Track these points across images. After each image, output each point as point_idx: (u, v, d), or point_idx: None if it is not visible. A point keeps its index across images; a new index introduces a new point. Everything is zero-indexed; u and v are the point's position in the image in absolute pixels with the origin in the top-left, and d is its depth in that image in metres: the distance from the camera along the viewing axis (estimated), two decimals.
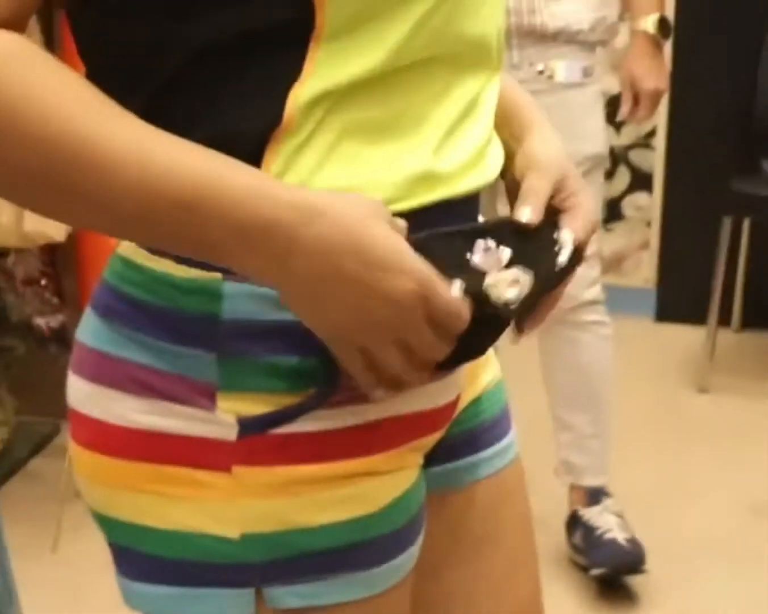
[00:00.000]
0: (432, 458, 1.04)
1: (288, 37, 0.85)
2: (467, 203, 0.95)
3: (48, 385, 2.86)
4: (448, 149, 0.93)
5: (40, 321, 2.87)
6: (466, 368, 1.03)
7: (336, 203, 0.83)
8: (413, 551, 0.99)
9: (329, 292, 0.83)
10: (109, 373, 0.93)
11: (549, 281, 0.96)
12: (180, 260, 0.89)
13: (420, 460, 1.01)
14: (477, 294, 0.89)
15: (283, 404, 0.91)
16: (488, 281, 0.90)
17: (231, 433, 0.90)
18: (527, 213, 0.95)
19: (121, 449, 0.93)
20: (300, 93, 0.86)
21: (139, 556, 0.95)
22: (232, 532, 0.92)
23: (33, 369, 3.07)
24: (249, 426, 0.91)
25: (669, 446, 3.21)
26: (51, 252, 2.88)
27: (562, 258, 0.96)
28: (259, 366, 0.90)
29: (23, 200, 0.85)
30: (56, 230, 2.68)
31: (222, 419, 0.90)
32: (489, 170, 0.97)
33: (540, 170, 0.99)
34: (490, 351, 1.08)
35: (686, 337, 3.87)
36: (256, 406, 0.91)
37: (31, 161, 0.80)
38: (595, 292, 2.53)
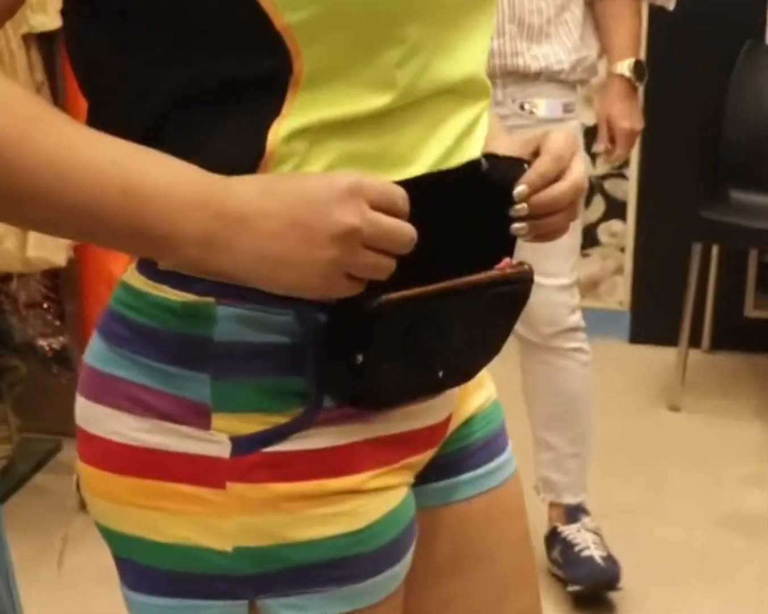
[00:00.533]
0: (424, 476, 1.04)
1: (268, 83, 0.87)
2: None
3: (50, 404, 2.96)
4: None
5: (42, 343, 2.87)
6: (458, 389, 1.03)
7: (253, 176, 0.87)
8: (402, 566, 0.99)
9: (280, 247, 0.85)
10: (109, 393, 0.94)
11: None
12: (176, 285, 0.90)
13: (410, 478, 1.01)
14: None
15: (274, 423, 0.91)
16: None
17: (224, 451, 0.91)
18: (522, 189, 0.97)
19: (121, 465, 0.94)
20: (280, 129, 0.88)
21: (141, 568, 0.96)
22: (226, 545, 0.92)
23: (36, 389, 3.09)
24: (241, 445, 0.91)
25: (642, 462, 3.20)
26: (53, 277, 2.89)
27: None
28: (250, 387, 0.91)
29: None
30: (58, 256, 2.71)
31: (216, 437, 0.91)
32: None
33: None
34: (483, 372, 1.08)
35: (658, 357, 3.86)
36: (247, 425, 0.91)
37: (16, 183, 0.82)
38: (576, 319, 2.52)
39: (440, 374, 0.96)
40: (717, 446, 3.30)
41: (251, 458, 0.91)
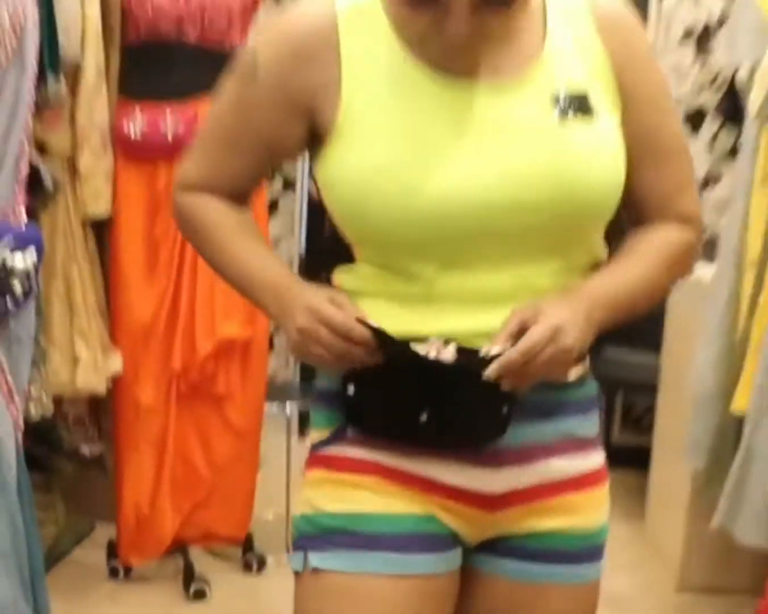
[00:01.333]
0: (492, 548, 1.22)
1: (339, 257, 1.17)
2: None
3: (88, 495, 3.26)
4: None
5: (84, 449, 2.97)
6: (521, 484, 1.18)
7: (299, 286, 1.14)
8: (401, 558, 1.14)
9: (289, 330, 1.11)
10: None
11: (474, 362, 1.00)
12: None
13: (429, 509, 1.15)
14: (391, 341, 1.01)
15: (324, 437, 1.20)
16: (416, 346, 1.03)
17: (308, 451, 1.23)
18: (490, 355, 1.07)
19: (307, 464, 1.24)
20: (341, 275, 1.18)
21: None
22: (299, 512, 1.21)
23: (78, 484, 3.20)
24: (313, 447, 1.22)
25: None
26: (94, 400, 2.96)
27: (485, 351, 1.01)
28: (321, 414, 1.20)
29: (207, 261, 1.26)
30: (99, 386, 2.81)
31: (310, 443, 1.22)
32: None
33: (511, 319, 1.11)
34: (593, 507, 1.28)
35: None
36: (317, 436, 1.21)
37: (211, 259, 1.23)
38: None
39: (422, 418, 1.03)
40: None
41: (313, 455, 1.21)
